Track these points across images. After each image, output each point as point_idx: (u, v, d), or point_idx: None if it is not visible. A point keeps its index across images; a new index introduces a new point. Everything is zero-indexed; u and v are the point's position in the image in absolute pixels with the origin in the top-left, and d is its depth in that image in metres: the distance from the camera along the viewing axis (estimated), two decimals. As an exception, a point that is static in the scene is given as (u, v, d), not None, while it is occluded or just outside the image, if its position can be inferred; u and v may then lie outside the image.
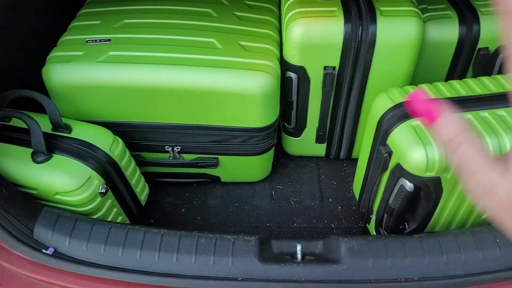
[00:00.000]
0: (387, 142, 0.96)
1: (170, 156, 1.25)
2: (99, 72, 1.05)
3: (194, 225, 1.30)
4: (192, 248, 0.87)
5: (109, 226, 0.90)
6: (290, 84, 1.18)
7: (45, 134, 1.00)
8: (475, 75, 1.24)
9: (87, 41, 1.12)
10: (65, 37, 1.16)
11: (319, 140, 1.34)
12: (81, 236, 0.88)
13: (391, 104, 0.98)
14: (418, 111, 0.40)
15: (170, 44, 1.10)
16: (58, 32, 1.18)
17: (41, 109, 1.05)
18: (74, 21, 1.22)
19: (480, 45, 1.20)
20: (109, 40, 1.11)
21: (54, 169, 0.97)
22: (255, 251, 0.86)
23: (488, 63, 1.23)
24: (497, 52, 1.22)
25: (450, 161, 0.40)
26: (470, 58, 1.23)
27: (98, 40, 1.11)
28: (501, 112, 0.93)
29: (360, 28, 1.05)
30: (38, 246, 0.86)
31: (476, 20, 1.18)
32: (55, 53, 1.11)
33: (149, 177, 1.33)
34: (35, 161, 0.98)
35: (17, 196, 0.93)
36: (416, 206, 1.01)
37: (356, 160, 1.27)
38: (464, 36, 1.18)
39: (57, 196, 0.98)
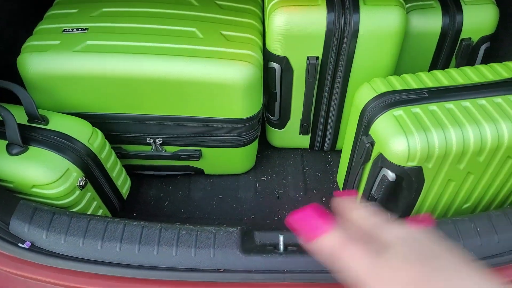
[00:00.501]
0: (370, 132, 0.96)
1: (152, 149, 1.23)
2: (76, 62, 1.02)
3: (177, 218, 1.28)
4: (173, 240, 0.85)
5: (88, 219, 0.88)
6: (273, 74, 1.16)
7: (21, 126, 0.97)
8: (458, 65, 1.25)
9: (63, 30, 1.08)
10: (41, 26, 1.12)
11: (303, 131, 1.34)
12: (59, 230, 0.86)
13: (374, 94, 0.98)
14: (301, 228, 0.48)
15: (149, 34, 1.07)
16: (33, 20, 1.15)
17: (17, 100, 1.02)
18: (50, 9, 1.18)
19: (463, 35, 1.20)
20: (86, 29, 1.08)
21: (30, 161, 0.94)
22: (237, 242, 0.85)
23: (471, 54, 1.24)
24: (479, 43, 1.22)
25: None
26: (453, 49, 1.23)
27: (75, 29, 1.08)
28: (482, 101, 0.93)
29: (343, 17, 1.04)
30: (14, 240, 0.83)
31: (459, 10, 1.18)
32: (30, 42, 1.07)
33: (131, 170, 1.30)
34: (10, 154, 0.95)
35: (-8, 189, 0.90)
36: (399, 195, 1.01)
37: (340, 151, 1.27)
38: (447, 26, 1.18)
39: (34, 189, 0.95)
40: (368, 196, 1.03)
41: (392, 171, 0.92)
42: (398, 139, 0.87)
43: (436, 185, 0.96)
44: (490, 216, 0.89)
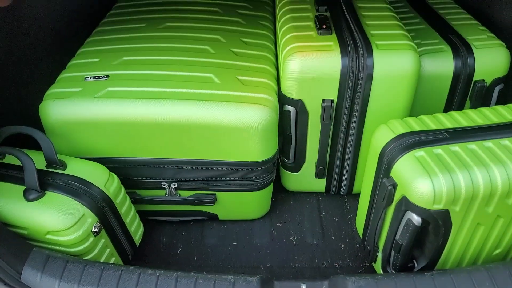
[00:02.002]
0: (391, 174, 0.94)
1: (166, 193, 1.22)
2: (97, 108, 1.04)
3: (190, 266, 1.24)
4: (189, 290, 0.81)
5: (102, 267, 0.85)
6: (289, 117, 1.17)
7: (39, 171, 0.97)
8: (473, 107, 1.24)
9: (85, 78, 1.11)
10: (64, 75, 1.16)
11: (319, 175, 1.32)
12: (72, 279, 0.83)
13: (392, 136, 0.97)
14: None
15: (168, 79, 1.10)
16: (57, 70, 1.19)
17: (35, 145, 1.02)
18: (73, 59, 1.23)
19: (476, 77, 1.21)
20: (107, 76, 1.11)
21: (46, 206, 0.93)
22: (257, 292, 0.81)
23: (485, 95, 1.24)
24: (493, 84, 1.23)
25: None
26: (467, 90, 1.24)
27: (97, 77, 1.11)
28: (505, 142, 0.91)
29: (357, 61, 1.06)
30: (25, 291, 0.81)
31: (470, 53, 1.20)
32: (53, 90, 1.10)
33: (144, 216, 1.28)
34: (27, 199, 0.94)
35: (6, 236, 0.88)
36: (425, 241, 0.97)
37: (357, 195, 1.24)
38: (459, 69, 1.20)
39: (48, 236, 0.93)
40: (392, 242, 0.99)
41: (417, 214, 0.88)
42: (423, 180, 0.85)
43: (464, 229, 0.92)
44: (524, 262, 0.85)
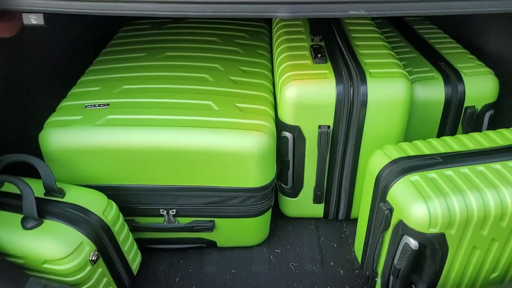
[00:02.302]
0: (387, 199, 0.95)
1: (165, 220, 1.21)
2: (97, 135, 1.05)
3: (189, 295, 1.22)
4: (188, 318, 0.80)
5: (99, 296, 0.84)
6: (286, 143, 1.19)
7: (38, 199, 0.97)
8: (465, 132, 1.27)
9: (86, 106, 1.14)
10: (64, 103, 1.18)
11: (316, 200, 1.33)
12: (68, 309, 0.82)
13: (388, 160, 0.99)
14: None
15: (168, 107, 1.12)
16: (57, 98, 1.21)
17: (34, 173, 1.03)
18: (74, 87, 1.25)
19: (467, 103, 1.25)
20: (108, 104, 1.13)
21: (44, 235, 0.93)
22: (256, 320, 0.80)
23: (476, 121, 1.27)
24: (483, 110, 1.27)
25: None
26: (459, 116, 1.27)
27: (97, 105, 1.13)
28: (497, 166, 0.94)
29: (352, 88, 1.09)
30: (20, 321, 0.79)
31: (460, 81, 1.24)
32: (53, 118, 1.12)
33: (142, 244, 1.27)
34: (24, 227, 0.94)
35: (2, 266, 0.88)
36: (423, 265, 0.97)
37: (355, 220, 1.24)
38: (450, 95, 1.23)
39: (46, 265, 0.92)
40: (390, 267, 0.99)
41: (414, 238, 0.89)
42: (418, 204, 0.86)
43: (461, 253, 0.92)
44: (522, 286, 0.85)
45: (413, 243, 0.90)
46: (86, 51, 1.52)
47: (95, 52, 1.45)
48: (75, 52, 1.52)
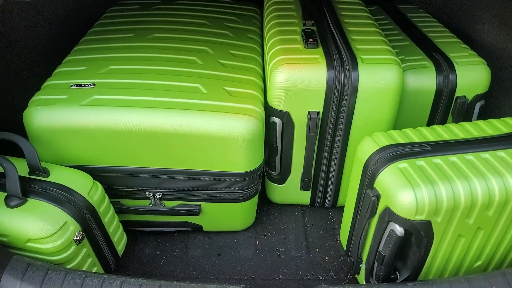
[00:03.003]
0: (375, 186, 0.95)
1: (151, 203, 1.20)
2: (82, 115, 1.03)
3: (173, 278, 1.22)
4: (172, 299, 0.80)
5: (83, 275, 0.83)
6: (275, 129, 1.18)
7: (21, 178, 0.95)
8: (455, 122, 1.28)
9: (71, 86, 1.11)
10: (49, 82, 1.15)
11: (304, 187, 1.32)
12: (52, 287, 0.80)
13: (376, 148, 0.98)
14: None
15: (155, 89, 1.10)
16: (43, 77, 1.18)
17: (19, 153, 1.01)
18: (59, 67, 1.22)
19: (458, 93, 1.25)
20: (94, 84, 1.11)
21: (28, 214, 0.91)
22: (240, 303, 0.80)
23: (466, 111, 1.27)
24: (474, 100, 1.27)
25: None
26: (449, 106, 1.27)
27: (83, 85, 1.11)
28: (486, 155, 0.94)
29: (343, 74, 1.08)
30: (2, 299, 0.78)
31: (452, 70, 1.24)
32: (38, 97, 1.09)
33: (128, 226, 1.26)
34: (8, 206, 0.92)
35: (-17, 244, 0.86)
36: (408, 252, 0.98)
37: (341, 208, 1.25)
38: (441, 84, 1.23)
39: (29, 244, 0.91)
40: (375, 253, 0.99)
41: (400, 225, 0.89)
42: (405, 191, 0.86)
43: (446, 241, 0.93)
44: (505, 274, 0.86)
45: (399, 230, 0.90)
46: (73, 30, 1.48)
47: (81, 32, 1.42)
48: (61, 31, 1.48)
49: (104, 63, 1.20)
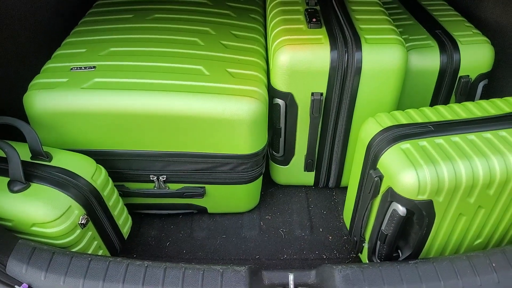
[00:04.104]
0: (378, 166, 0.95)
1: (155, 186, 1.21)
2: (83, 98, 1.03)
3: (179, 260, 1.24)
4: (178, 280, 0.82)
5: (89, 258, 0.84)
6: (278, 110, 1.17)
7: (24, 163, 0.95)
8: (458, 101, 1.27)
9: (71, 69, 1.10)
10: (49, 65, 1.14)
11: (307, 168, 1.33)
12: (58, 270, 0.82)
13: (380, 128, 0.98)
14: None
15: (156, 71, 1.09)
16: (41, 60, 1.17)
17: (21, 137, 1.01)
18: (59, 49, 1.21)
19: (461, 73, 1.24)
20: (94, 67, 1.10)
21: (32, 198, 0.92)
22: (245, 282, 0.81)
23: (470, 90, 1.27)
24: (477, 80, 1.26)
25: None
26: (453, 86, 1.26)
27: (83, 67, 1.10)
28: (487, 135, 0.94)
29: (346, 55, 1.07)
30: (11, 282, 0.80)
31: (456, 49, 1.22)
32: (37, 80, 1.08)
33: (133, 209, 1.27)
34: (11, 191, 0.93)
35: (-11, 228, 0.87)
36: (409, 231, 0.99)
37: (345, 188, 1.25)
38: (445, 64, 1.22)
39: (34, 228, 0.92)
40: (378, 232, 1.01)
41: (402, 205, 0.90)
42: (408, 172, 0.86)
43: (447, 219, 0.94)
44: (504, 251, 0.87)
45: (401, 209, 0.91)
46: (72, 12, 1.46)
47: (81, 13, 1.39)
48: (61, 12, 1.46)
49: (104, 45, 1.19)
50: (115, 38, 1.22)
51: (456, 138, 0.94)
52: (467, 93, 1.27)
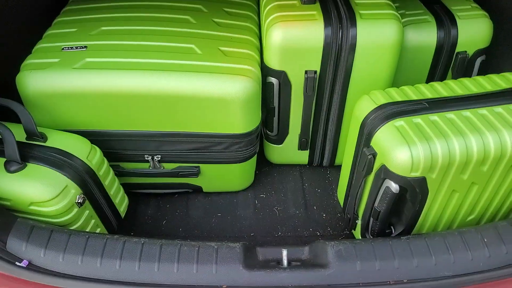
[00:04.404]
0: (371, 144, 0.95)
1: (150, 166, 1.22)
2: (75, 79, 1.02)
3: (175, 237, 1.25)
4: (174, 256, 0.83)
5: (87, 236, 0.86)
6: (271, 89, 1.17)
7: (19, 143, 0.96)
8: (454, 78, 1.26)
9: (63, 48, 1.09)
10: (40, 45, 1.12)
11: (302, 147, 1.33)
12: (57, 247, 0.83)
13: (374, 106, 0.98)
14: None
15: (148, 50, 1.08)
16: (32, 40, 1.15)
17: (15, 118, 1.01)
18: (49, 29, 1.19)
19: (459, 49, 1.22)
20: (85, 47, 1.08)
21: (28, 178, 0.92)
22: (240, 258, 0.83)
23: (467, 67, 1.25)
24: (475, 56, 1.24)
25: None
26: (450, 62, 1.25)
27: (75, 47, 1.08)
28: (483, 111, 0.93)
29: (340, 31, 1.05)
30: (11, 259, 0.81)
31: (454, 24, 1.20)
32: (29, 61, 1.07)
33: (129, 189, 1.28)
34: (8, 171, 0.93)
35: (-13, 208, 0.88)
36: (402, 208, 1.00)
37: (339, 167, 1.26)
38: (442, 40, 1.20)
39: (32, 207, 0.93)
40: (371, 209, 1.02)
41: (395, 182, 0.91)
42: (401, 149, 0.87)
43: (440, 196, 0.95)
44: (496, 227, 0.88)
45: (394, 186, 0.92)
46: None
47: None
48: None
49: (95, 24, 1.17)
50: (106, 17, 1.20)
51: (451, 114, 0.93)
52: (465, 69, 1.26)
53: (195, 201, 1.35)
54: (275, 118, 1.26)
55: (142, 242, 0.84)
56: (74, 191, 0.96)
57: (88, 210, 1.02)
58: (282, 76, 1.13)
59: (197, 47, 1.10)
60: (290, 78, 1.14)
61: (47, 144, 1.00)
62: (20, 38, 1.28)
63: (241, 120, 1.10)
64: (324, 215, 1.32)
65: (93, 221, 1.05)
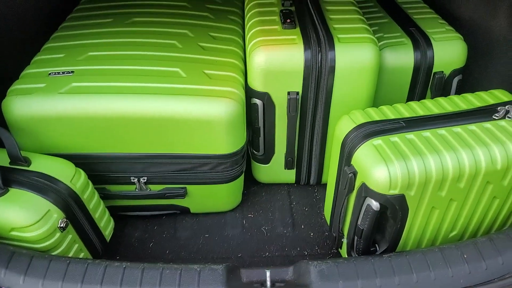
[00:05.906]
0: (352, 163, 0.97)
1: (136, 188, 1.22)
2: (61, 103, 1.03)
3: (163, 260, 1.25)
4: (156, 280, 0.83)
5: (68, 261, 0.85)
6: (256, 110, 1.19)
7: (2, 168, 0.96)
8: (433, 97, 1.29)
9: (49, 74, 1.11)
10: (28, 70, 1.14)
11: (288, 166, 1.35)
12: (36, 274, 0.83)
13: (353, 125, 1.00)
14: None
15: (134, 74, 1.10)
16: (20, 66, 1.17)
17: (-1, 143, 1.01)
18: (38, 54, 1.21)
19: (435, 69, 1.26)
20: (72, 72, 1.11)
21: (10, 203, 0.92)
22: (222, 280, 0.83)
23: (444, 86, 1.29)
24: (452, 75, 1.28)
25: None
26: (428, 82, 1.28)
27: (61, 72, 1.11)
28: (458, 129, 0.96)
29: (320, 54, 1.09)
30: (-12, 287, 0.80)
31: (430, 46, 1.25)
32: (16, 86, 1.09)
33: (115, 211, 1.28)
34: (-11, 196, 0.93)
35: (-32, 234, 0.88)
36: (385, 226, 1.01)
37: (326, 185, 1.27)
38: (419, 61, 1.24)
39: (13, 232, 0.92)
40: (355, 228, 1.03)
41: (376, 200, 0.92)
42: (379, 167, 0.89)
43: (420, 213, 0.96)
44: (476, 243, 0.89)
45: (375, 204, 0.93)
46: (52, 17, 1.46)
47: (60, 18, 1.40)
48: (40, 18, 1.46)
49: (83, 50, 1.19)
50: (94, 43, 1.23)
51: (427, 133, 0.96)
52: (442, 88, 1.30)
53: (183, 222, 1.34)
54: (261, 138, 1.28)
55: (124, 266, 0.84)
56: (56, 216, 0.96)
57: (71, 235, 1.02)
58: (265, 97, 1.16)
59: (182, 71, 1.12)
60: (273, 99, 1.16)
61: (31, 168, 1.01)
62: (7, 64, 1.30)
63: (226, 141, 1.12)
64: (311, 234, 1.32)
65: (76, 245, 1.04)
